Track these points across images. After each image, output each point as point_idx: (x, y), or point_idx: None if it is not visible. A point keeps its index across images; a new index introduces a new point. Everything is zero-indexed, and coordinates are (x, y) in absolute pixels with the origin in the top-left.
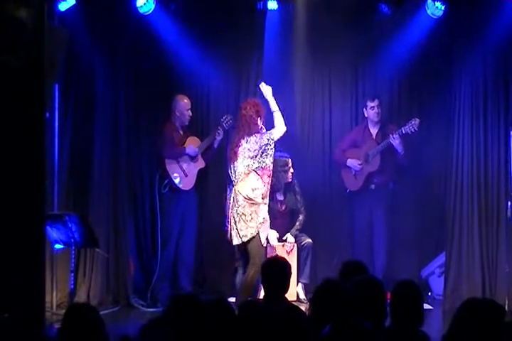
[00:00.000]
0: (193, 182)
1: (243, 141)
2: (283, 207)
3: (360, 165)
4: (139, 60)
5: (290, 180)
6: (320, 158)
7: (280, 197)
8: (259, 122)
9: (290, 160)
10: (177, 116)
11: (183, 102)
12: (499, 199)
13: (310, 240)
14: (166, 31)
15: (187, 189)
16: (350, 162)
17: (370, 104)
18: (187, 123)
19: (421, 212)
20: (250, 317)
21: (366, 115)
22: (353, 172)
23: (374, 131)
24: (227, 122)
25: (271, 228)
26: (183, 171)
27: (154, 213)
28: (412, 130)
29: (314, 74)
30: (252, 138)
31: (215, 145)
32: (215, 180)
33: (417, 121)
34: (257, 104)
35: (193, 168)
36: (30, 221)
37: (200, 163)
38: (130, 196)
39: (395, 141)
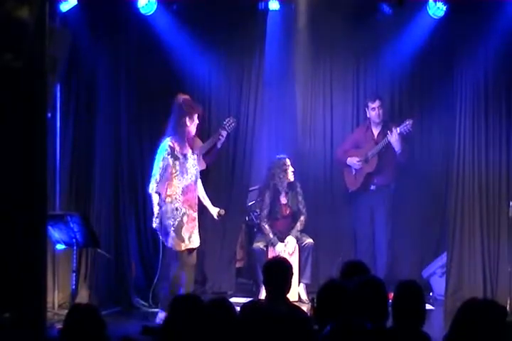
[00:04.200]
0: None
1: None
2: (287, 211)
3: (358, 162)
4: (141, 60)
5: (292, 179)
6: (321, 158)
7: (284, 200)
8: (189, 124)
9: (288, 160)
10: None
11: None
12: (500, 199)
13: (311, 240)
14: (168, 31)
15: None
16: (349, 160)
17: (371, 105)
18: None
19: (422, 213)
20: (252, 317)
21: (368, 115)
22: (354, 172)
23: (376, 131)
24: (229, 125)
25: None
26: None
27: None
28: (407, 130)
29: (315, 74)
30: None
31: (218, 146)
32: (216, 181)
33: (411, 121)
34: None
35: None
36: (31, 221)
37: (201, 164)
38: (131, 196)
39: (392, 138)
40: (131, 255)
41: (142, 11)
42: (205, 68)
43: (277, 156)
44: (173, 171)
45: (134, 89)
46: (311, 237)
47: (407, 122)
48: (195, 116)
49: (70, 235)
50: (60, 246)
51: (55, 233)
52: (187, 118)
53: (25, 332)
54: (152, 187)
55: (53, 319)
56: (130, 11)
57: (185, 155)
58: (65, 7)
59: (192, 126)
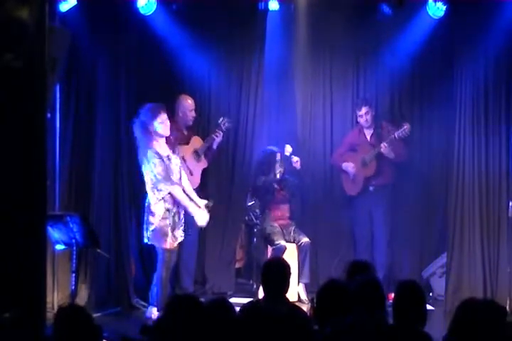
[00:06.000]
0: (198, 181)
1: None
2: (281, 193)
3: (353, 168)
4: (141, 60)
5: (278, 176)
6: (321, 156)
7: (276, 186)
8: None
9: (279, 154)
10: (180, 116)
11: (187, 103)
12: (500, 199)
13: (307, 239)
14: (168, 32)
15: (193, 188)
16: (345, 165)
17: (357, 112)
18: (190, 124)
19: (422, 213)
20: (252, 317)
21: (358, 121)
22: (351, 177)
23: (369, 133)
24: (224, 124)
25: (274, 217)
26: (189, 170)
27: None
28: (405, 134)
29: (315, 74)
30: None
31: (214, 146)
32: (216, 180)
33: (408, 125)
34: None
35: (198, 168)
36: (31, 221)
37: (204, 163)
38: (131, 196)
39: (385, 149)
40: (131, 255)
41: (142, 11)
42: (205, 68)
43: (270, 147)
44: (162, 173)
45: (134, 89)
46: (310, 237)
47: (405, 127)
48: (161, 118)
49: (70, 235)
50: (59, 247)
51: (54, 233)
52: (152, 123)
53: (25, 332)
54: (167, 187)
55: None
56: (130, 11)
57: (168, 157)
58: (64, 7)
59: (162, 128)
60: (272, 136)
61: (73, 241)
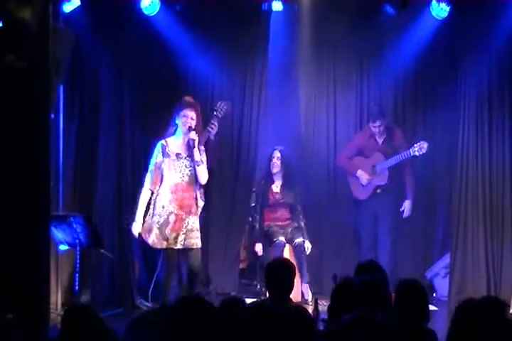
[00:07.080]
0: None
1: None
2: (276, 197)
3: (367, 179)
4: (144, 61)
5: (275, 171)
6: (325, 157)
7: (276, 188)
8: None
9: (277, 152)
10: None
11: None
12: (504, 199)
13: (301, 239)
14: (171, 32)
15: None
16: (360, 174)
17: (372, 124)
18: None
19: (426, 213)
20: (255, 317)
21: (370, 128)
22: (362, 183)
23: (380, 139)
24: (221, 109)
25: (272, 219)
26: None
27: None
28: (421, 153)
29: (319, 75)
30: None
31: (212, 138)
32: (219, 181)
33: (426, 144)
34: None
35: None
36: (35, 222)
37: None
38: (135, 196)
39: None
40: (135, 255)
41: (145, 12)
42: (209, 69)
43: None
44: (164, 168)
45: (137, 90)
46: (313, 237)
47: (421, 145)
48: (188, 115)
49: (73, 236)
50: (63, 247)
51: (58, 234)
52: (177, 117)
53: (29, 332)
54: (145, 184)
55: (56, 320)
56: (133, 12)
57: (177, 155)
58: (68, 8)
59: (182, 121)
60: (275, 136)
61: (77, 241)
